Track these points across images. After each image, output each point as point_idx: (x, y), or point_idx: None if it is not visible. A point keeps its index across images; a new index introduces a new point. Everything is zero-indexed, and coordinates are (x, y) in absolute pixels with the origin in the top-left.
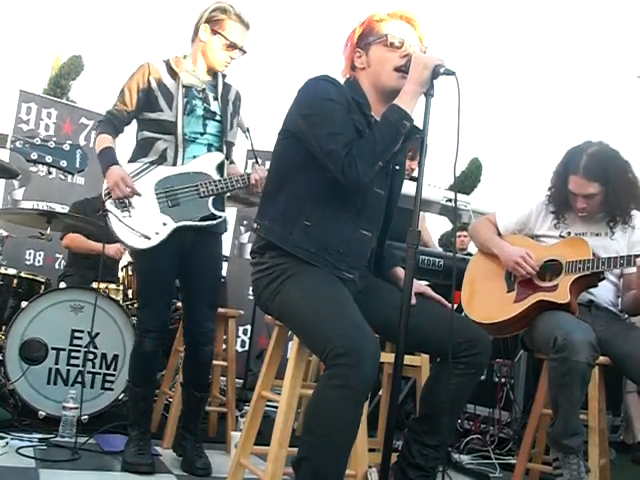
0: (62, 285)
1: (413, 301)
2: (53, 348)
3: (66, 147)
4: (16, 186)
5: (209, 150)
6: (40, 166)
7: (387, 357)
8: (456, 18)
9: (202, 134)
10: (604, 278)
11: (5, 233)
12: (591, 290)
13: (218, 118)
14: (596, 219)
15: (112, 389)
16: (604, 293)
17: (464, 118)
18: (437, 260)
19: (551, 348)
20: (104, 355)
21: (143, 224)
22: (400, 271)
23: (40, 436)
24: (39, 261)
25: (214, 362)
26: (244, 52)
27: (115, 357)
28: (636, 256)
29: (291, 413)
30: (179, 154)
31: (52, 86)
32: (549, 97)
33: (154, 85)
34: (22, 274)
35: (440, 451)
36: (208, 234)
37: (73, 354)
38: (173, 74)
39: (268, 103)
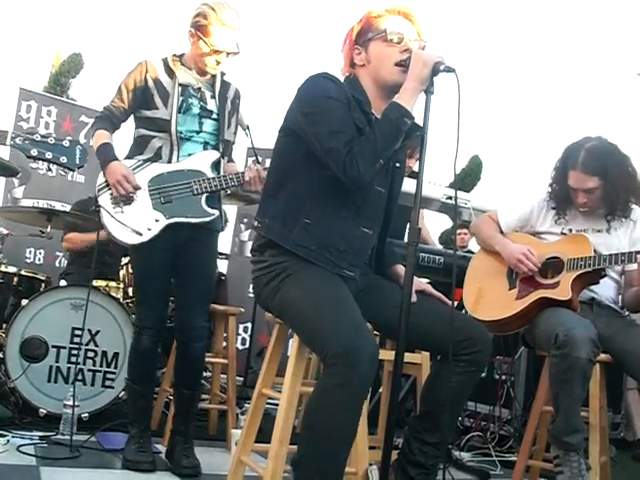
0: (62, 283)
1: (414, 299)
2: (53, 346)
3: (66, 143)
4: (16, 184)
5: (205, 148)
6: (40, 163)
7: (387, 354)
8: (456, 15)
9: (198, 132)
10: (605, 275)
11: (5, 231)
12: (593, 287)
13: (215, 116)
14: (597, 215)
15: (112, 387)
16: (606, 290)
17: (464, 115)
18: (437, 258)
19: (552, 344)
20: (104, 353)
21: (135, 220)
22: (401, 269)
23: (41, 434)
24: (39, 259)
25: (215, 360)
26: (234, 53)
27: (115, 355)
28: (637, 253)
29: (291, 411)
30: (174, 152)
31: (52, 84)
32: (549, 94)
33: (151, 83)
34: (22, 272)
35: (440, 449)
36: (203, 231)
37: (73, 352)
38: (170, 72)
39: (268, 101)
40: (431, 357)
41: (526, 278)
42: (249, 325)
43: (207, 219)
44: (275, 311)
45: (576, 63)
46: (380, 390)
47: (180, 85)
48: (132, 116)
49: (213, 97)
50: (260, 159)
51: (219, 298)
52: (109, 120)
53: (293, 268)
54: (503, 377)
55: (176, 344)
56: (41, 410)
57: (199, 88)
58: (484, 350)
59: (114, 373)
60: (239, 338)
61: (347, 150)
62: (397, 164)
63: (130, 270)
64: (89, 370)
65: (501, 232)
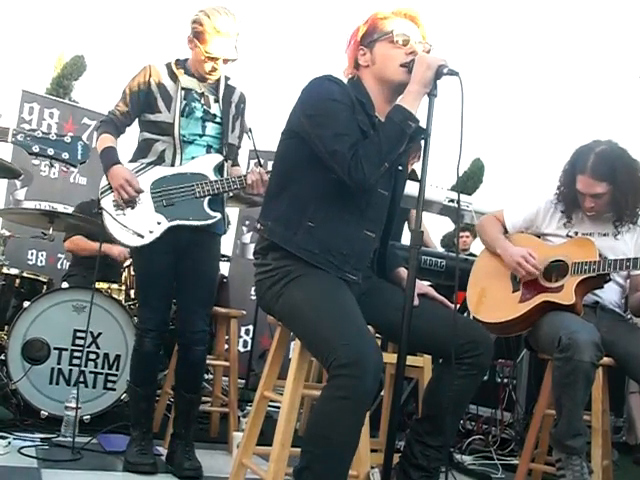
0: (64, 285)
1: (416, 302)
2: (55, 348)
3: (67, 139)
4: (18, 186)
5: (208, 151)
6: (42, 163)
7: (389, 357)
8: (459, 18)
9: (201, 136)
10: (610, 280)
11: (7, 233)
12: (597, 291)
13: (218, 120)
14: (604, 219)
15: (114, 389)
16: (610, 294)
17: (467, 118)
18: (439, 261)
19: (555, 348)
20: (106, 355)
21: (137, 222)
22: (403, 271)
23: (42, 436)
24: (41, 261)
25: (216, 362)
26: (232, 60)
27: (117, 357)
28: None
29: (293, 413)
30: (177, 155)
31: (55, 86)
32: (552, 97)
33: (154, 87)
34: (24, 274)
35: (442, 452)
36: (205, 234)
37: (75, 354)
38: (173, 77)
39: (271, 103)
40: (433, 360)
41: (530, 281)
42: (251, 327)
43: (209, 222)
44: (277, 315)
45: (579, 66)
46: (382, 393)
47: (183, 89)
48: (137, 120)
49: (216, 101)
50: (262, 161)
51: (221, 300)
52: (113, 124)
53: (296, 273)
54: (505, 380)
55: (177, 347)
56: (42, 412)
57: (202, 92)
58: (486, 353)
59: (116, 375)
60: (241, 340)
61: (352, 153)
62: (400, 167)
63: (132, 272)
64: (91, 372)
65: (506, 232)
